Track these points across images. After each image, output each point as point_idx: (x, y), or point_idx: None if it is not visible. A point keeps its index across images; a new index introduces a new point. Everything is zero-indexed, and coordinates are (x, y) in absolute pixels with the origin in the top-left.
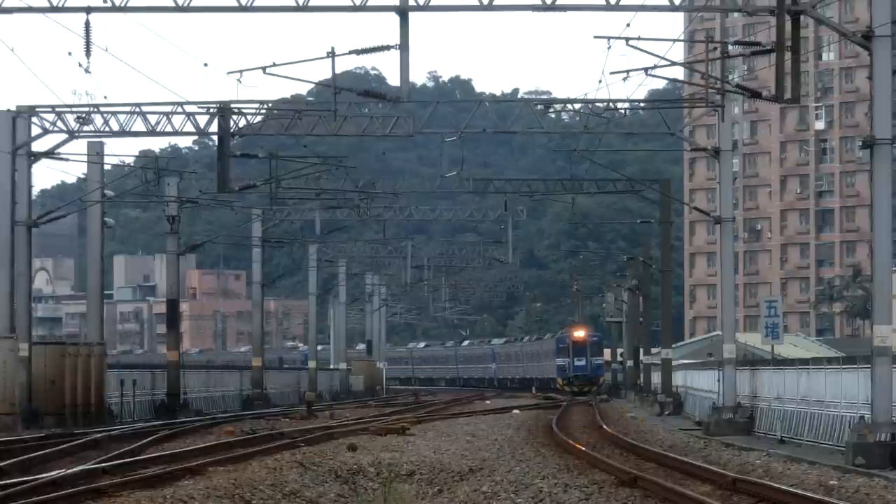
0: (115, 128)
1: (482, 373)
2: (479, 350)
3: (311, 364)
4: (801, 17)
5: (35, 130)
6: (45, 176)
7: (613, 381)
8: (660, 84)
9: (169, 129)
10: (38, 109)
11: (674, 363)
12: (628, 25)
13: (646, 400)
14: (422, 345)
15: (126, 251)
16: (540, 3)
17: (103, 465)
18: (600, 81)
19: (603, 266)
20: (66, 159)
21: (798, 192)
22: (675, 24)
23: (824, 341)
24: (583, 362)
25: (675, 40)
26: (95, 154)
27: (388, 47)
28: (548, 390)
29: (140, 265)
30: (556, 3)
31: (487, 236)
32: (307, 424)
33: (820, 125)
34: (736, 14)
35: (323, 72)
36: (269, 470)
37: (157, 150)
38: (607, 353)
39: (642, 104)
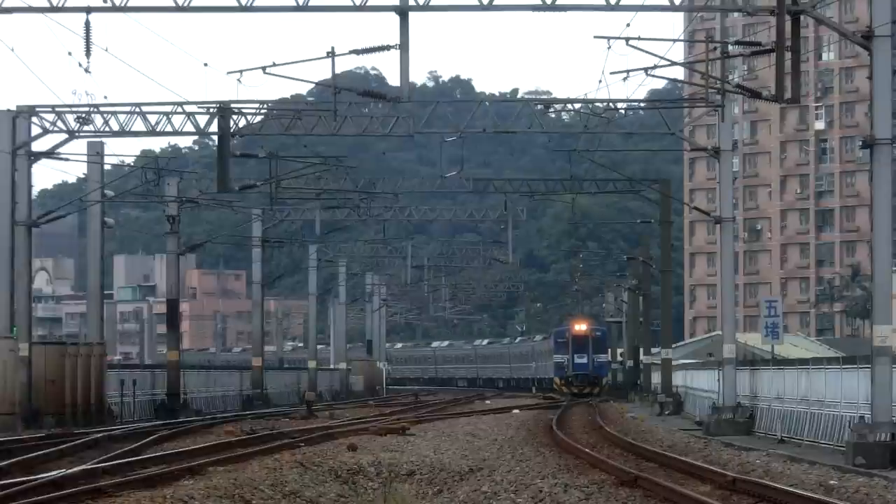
0: (115, 128)
1: (525, 372)
2: (525, 347)
3: (311, 364)
4: (801, 17)
5: (35, 130)
6: (45, 176)
7: (614, 382)
8: (660, 84)
9: (169, 129)
10: (38, 109)
11: (674, 363)
12: (628, 25)
13: (646, 400)
14: (485, 342)
15: (126, 251)
16: (540, 3)
17: (103, 464)
18: (600, 81)
19: (603, 266)
20: (66, 159)
21: (798, 192)
22: (675, 24)
23: (824, 341)
24: (584, 360)
25: (675, 40)
26: (95, 154)
27: (388, 47)
28: (548, 390)
29: (140, 265)
30: (556, 3)
31: (487, 236)
32: (307, 424)
33: (820, 125)
34: (736, 14)
35: (323, 72)
36: (269, 470)
37: (157, 150)
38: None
39: (642, 104)
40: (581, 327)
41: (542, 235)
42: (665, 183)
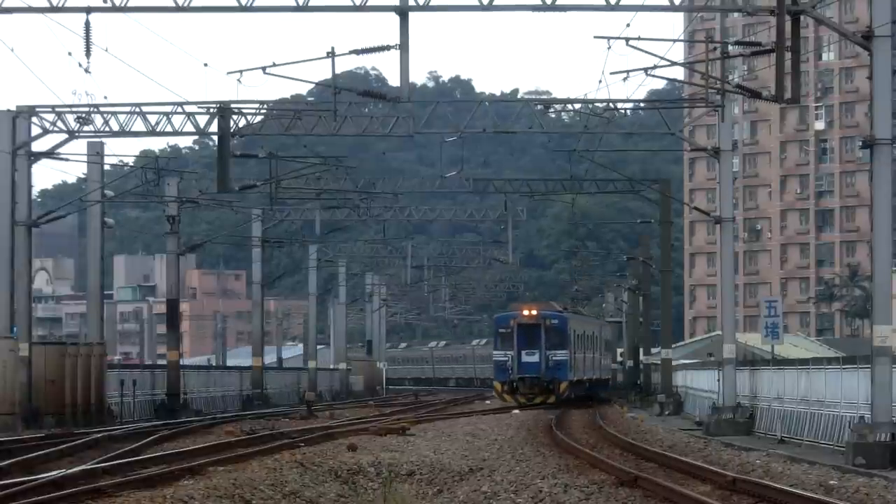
0: (115, 128)
1: None
2: None
3: (311, 364)
4: (801, 17)
5: (35, 130)
6: (45, 176)
7: (614, 382)
8: (660, 84)
9: (169, 129)
10: (38, 109)
11: (674, 363)
12: (628, 25)
13: (646, 400)
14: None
15: (126, 251)
16: (540, 3)
17: (103, 464)
18: (600, 81)
19: (603, 266)
20: (66, 159)
21: (798, 192)
22: (675, 24)
23: (824, 341)
24: (535, 358)
25: (675, 40)
26: (95, 154)
27: (388, 47)
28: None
29: (140, 265)
30: (556, 3)
31: (487, 236)
32: (307, 424)
33: (820, 125)
34: (736, 14)
35: (323, 72)
36: (269, 470)
37: (157, 151)
38: None
39: (642, 104)
40: (530, 313)
41: (542, 235)
42: (665, 183)
